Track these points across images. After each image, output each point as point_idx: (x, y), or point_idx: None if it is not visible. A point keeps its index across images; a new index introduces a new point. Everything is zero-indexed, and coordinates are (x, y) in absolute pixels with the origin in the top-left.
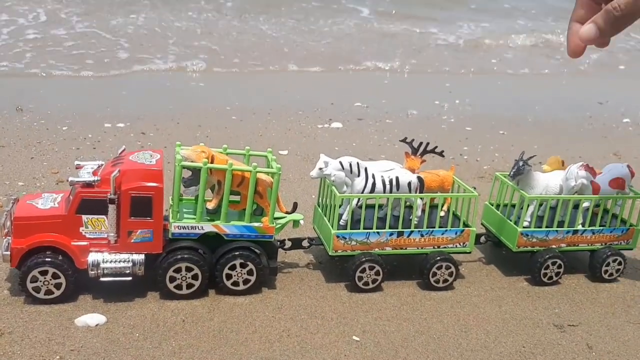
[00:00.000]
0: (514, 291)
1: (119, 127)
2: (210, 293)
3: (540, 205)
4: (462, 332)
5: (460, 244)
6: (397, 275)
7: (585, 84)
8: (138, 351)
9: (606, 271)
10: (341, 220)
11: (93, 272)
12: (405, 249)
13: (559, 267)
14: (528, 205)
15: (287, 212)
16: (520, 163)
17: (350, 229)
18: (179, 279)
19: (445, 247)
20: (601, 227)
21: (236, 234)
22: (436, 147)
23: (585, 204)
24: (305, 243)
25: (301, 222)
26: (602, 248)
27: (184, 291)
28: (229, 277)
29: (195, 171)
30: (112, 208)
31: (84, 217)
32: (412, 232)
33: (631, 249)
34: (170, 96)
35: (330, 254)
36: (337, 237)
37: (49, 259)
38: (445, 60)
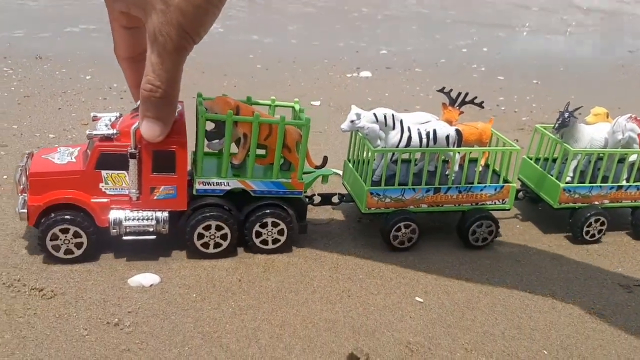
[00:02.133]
0: (572, 250)
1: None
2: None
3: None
4: (527, 292)
5: (499, 201)
6: (434, 232)
7: (612, 32)
8: (198, 312)
9: None
10: (374, 176)
11: (115, 230)
12: (442, 206)
13: (602, 224)
14: (572, 160)
15: (316, 167)
16: (566, 115)
17: (384, 185)
18: (207, 237)
19: (483, 204)
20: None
21: (264, 190)
22: (475, 97)
23: (632, 158)
24: (335, 199)
25: (332, 176)
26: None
27: (212, 250)
28: (258, 235)
29: (219, 123)
30: (133, 163)
31: (104, 172)
32: (449, 188)
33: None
34: None
35: (362, 211)
36: (371, 193)
37: (69, 217)
38: (470, 6)
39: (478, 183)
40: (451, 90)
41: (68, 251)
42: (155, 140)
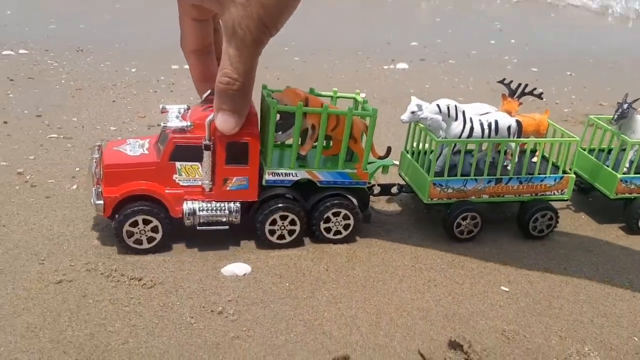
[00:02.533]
0: (635, 240)
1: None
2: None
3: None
4: (606, 281)
5: (558, 191)
6: (490, 223)
7: (635, 23)
8: (294, 301)
9: None
10: (436, 167)
11: (189, 220)
12: (503, 196)
13: None
14: (629, 151)
15: (379, 157)
16: (625, 106)
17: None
18: (277, 228)
19: (543, 195)
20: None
21: (330, 181)
22: (535, 88)
23: None
24: (394, 190)
25: (391, 167)
26: None
27: (284, 239)
28: (326, 225)
29: (285, 115)
30: (207, 155)
31: (178, 164)
32: (510, 179)
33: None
34: None
35: (425, 201)
36: (434, 184)
37: (146, 208)
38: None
39: (538, 174)
40: (511, 81)
41: (138, 241)
42: (231, 133)
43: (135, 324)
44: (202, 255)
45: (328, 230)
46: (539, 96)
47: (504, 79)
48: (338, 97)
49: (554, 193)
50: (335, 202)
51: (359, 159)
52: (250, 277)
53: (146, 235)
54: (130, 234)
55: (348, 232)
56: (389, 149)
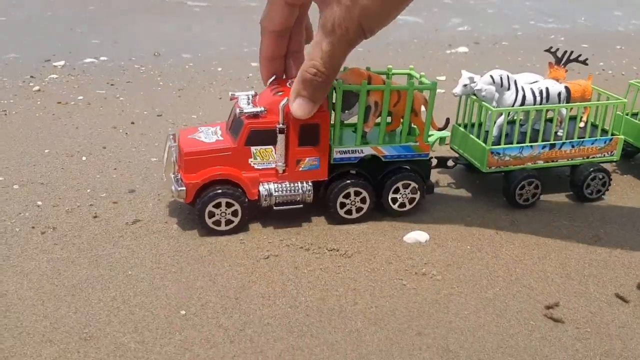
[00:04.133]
0: None
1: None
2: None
3: None
4: None
5: (607, 153)
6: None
7: None
8: (482, 261)
9: None
10: (493, 137)
11: (266, 202)
12: (557, 161)
13: None
14: None
15: (439, 129)
16: None
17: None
18: (348, 204)
19: (594, 157)
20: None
21: (394, 155)
22: (580, 55)
23: None
24: (450, 162)
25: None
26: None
27: (354, 215)
28: (394, 199)
29: (348, 94)
30: (281, 138)
31: (253, 148)
32: (563, 144)
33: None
34: None
35: (484, 170)
36: (492, 153)
37: (229, 191)
38: None
39: (589, 137)
40: (557, 49)
41: (217, 222)
42: (305, 117)
43: (355, 287)
44: (380, 226)
45: (394, 200)
46: (584, 62)
47: (551, 47)
48: (393, 74)
49: (604, 155)
50: (400, 175)
51: (420, 131)
52: (432, 243)
53: (225, 218)
54: (212, 215)
55: (415, 203)
56: (447, 120)
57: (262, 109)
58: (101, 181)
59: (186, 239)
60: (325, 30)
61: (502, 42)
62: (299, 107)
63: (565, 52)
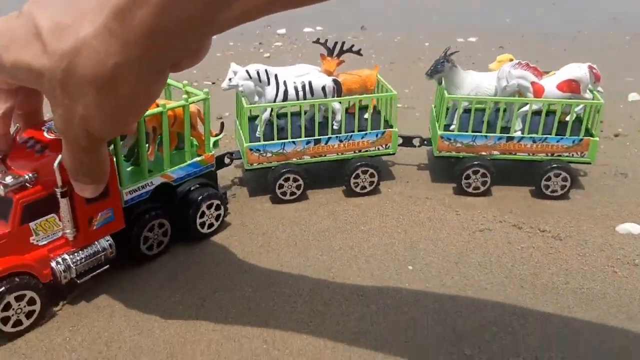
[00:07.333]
0: None
1: (471, 41)
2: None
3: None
4: None
5: (383, 146)
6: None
7: None
8: None
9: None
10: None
11: (66, 278)
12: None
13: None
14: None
15: (216, 135)
16: (440, 60)
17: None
18: (151, 239)
19: (366, 151)
20: (544, 136)
21: (183, 176)
22: (352, 45)
23: (524, 108)
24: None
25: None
26: (547, 160)
27: (154, 250)
28: (202, 224)
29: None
30: (64, 202)
31: (32, 224)
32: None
33: (589, 163)
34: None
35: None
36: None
37: (15, 283)
38: None
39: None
40: (327, 40)
41: (7, 320)
42: (97, 194)
43: (567, 268)
44: (591, 214)
45: (202, 225)
46: (358, 52)
47: (318, 39)
48: (187, 91)
49: (379, 148)
50: (204, 195)
51: (200, 144)
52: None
53: (24, 312)
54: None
55: (220, 222)
56: (222, 125)
57: (30, 175)
58: None
59: (408, 203)
60: (60, 133)
61: (551, 40)
62: (82, 191)
63: (336, 42)
